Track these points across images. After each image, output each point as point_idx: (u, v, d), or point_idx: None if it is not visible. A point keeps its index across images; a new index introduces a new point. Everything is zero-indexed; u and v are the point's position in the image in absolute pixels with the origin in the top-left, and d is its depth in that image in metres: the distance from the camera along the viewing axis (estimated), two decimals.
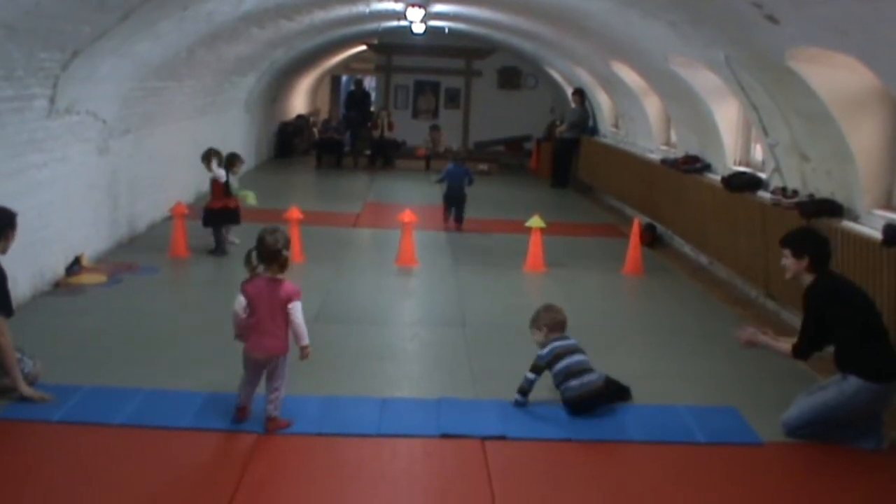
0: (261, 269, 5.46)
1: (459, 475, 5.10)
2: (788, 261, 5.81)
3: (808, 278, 5.75)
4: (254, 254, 5.48)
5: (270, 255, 5.41)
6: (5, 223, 5.97)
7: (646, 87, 13.49)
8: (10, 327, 5.77)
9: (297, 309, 5.46)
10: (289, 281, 5.51)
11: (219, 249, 10.44)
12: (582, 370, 5.92)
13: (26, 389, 5.74)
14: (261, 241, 5.44)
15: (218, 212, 10.46)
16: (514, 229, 11.80)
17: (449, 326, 8.08)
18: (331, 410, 5.86)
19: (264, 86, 18.67)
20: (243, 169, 12.12)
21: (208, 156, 10.50)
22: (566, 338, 6.10)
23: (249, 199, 10.77)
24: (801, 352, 5.80)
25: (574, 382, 5.87)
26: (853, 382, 5.51)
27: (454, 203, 13.37)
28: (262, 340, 5.44)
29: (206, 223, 10.50)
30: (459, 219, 13.24)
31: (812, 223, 7.68)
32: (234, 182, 10.70)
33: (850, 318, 5.60)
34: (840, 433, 5.67)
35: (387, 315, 8.49)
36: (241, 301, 5.46)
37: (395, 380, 6.68)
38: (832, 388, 5.65)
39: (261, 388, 5.59)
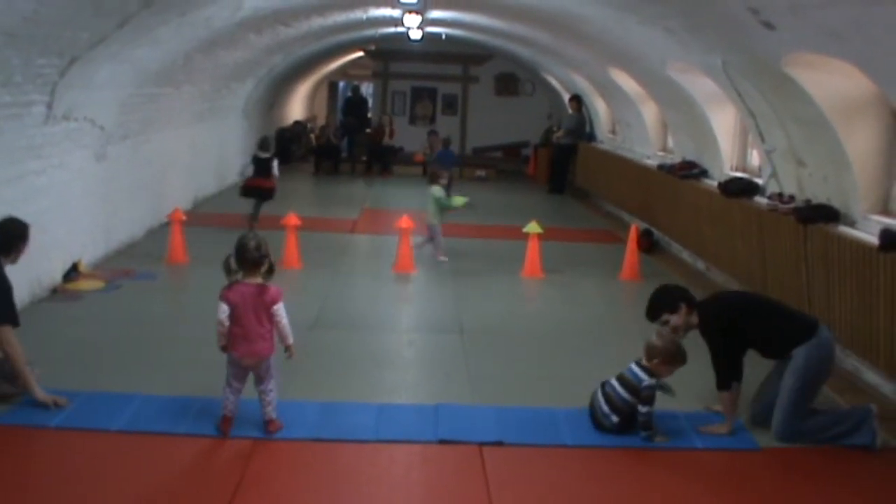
0: (240, 275, 5.44)
1: (457, 481, 5.10)
2: (672, 321, 5.90)
3: (694, 319, 5.91)
4: (232, 260, 5.46)
5: (254, 261, 5.39)
6: (17, 235, 5.98)
7: (643, 94, 13.52)
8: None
9: (282, 310, 5.47)
10: (272, 284, 5.51)
11: (252, 218, 12.19)
12: (610, 399, 5.77)
13: (41, 395, 5.75)
14: (243, 248, 5.40)
15: (253, 188, 12.46)
16: (512, 235, 11.81)
17: (446, 332, 8.08)
18: (328, 416, 5.86)
19: (262, 92, 18.68)
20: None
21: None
22: (639, 366, 5.82)
23: (459, 201, 11.22)
24: (727, 381, 5.78)
25: (599, 401, 5.83)
26: (797, 353, 5.71)
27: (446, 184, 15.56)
28: (253, 346, 5.43)
29: (243, 194, 12.61)
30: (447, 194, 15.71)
31: (808, 229, 7.70)
32: (444, 193, 11.12)
33: (752, 313, 5.87)
34: (834, 430, 5.72)
35: (384, 321, 8.49)
36: (224, 309, 5.40)
37: (393, 386, 6.69)
38: (786, 375, 5.77)
39: (249, 392, 5.59)
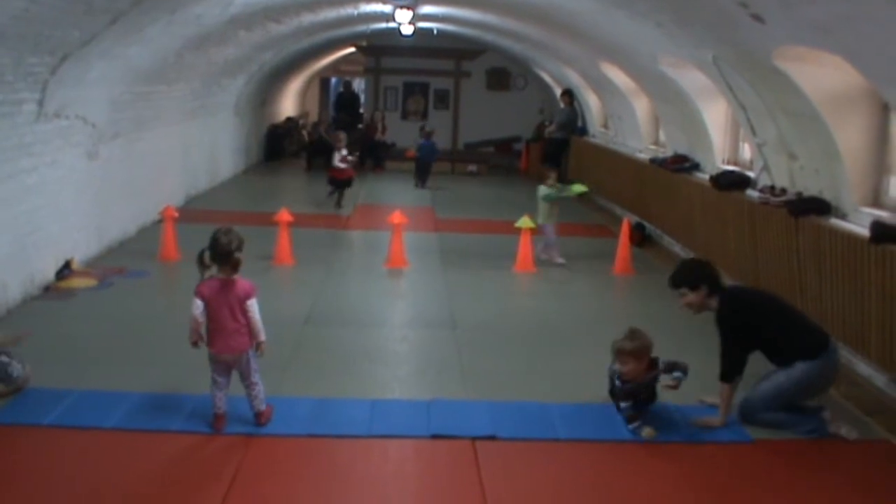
0: (213, 270, 5.45)
1: (450, 475, 5.12)
2: (689, 297, 5.95)
3: (713, 303, 5.92)
4: (207, 254, 5.46)
5: (223, 256, 5.39)
6: None
7: (635, 88, 13.54)
8: None
9: (254, 305, 5.47)
10: (242, 279, 5.50)
11: (337, 203, 14.48)
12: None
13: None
14: (214, 242, 5.41)
15: (338, 179, 14.60)
16: (504, 230, 11.82)
17: (439, 328, 8.09)
18: (322, 412, 5.87)
19: (253, 89, 18.65)
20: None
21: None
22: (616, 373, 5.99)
23: (577, 189, 11.10)
24: (730, 374, 5.82)
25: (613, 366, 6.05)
26: (799, 366, 5.73)
27: (423, 172, 17.91)
28: (229, 341, 5.44)
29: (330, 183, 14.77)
30: (424, 181, 17.90)
31: (800, 221, 7.73)
32: (550, 191, 10.79)
33: (769, 317, 5.86)
34: (792, 429, 5.81)
35: (377, 317, 8.49)
36: (198, 305, 5.41)
37: (386, 381, 6.69)
38: (780, 373, 5.82)
39: (236, 388, 5.59)
